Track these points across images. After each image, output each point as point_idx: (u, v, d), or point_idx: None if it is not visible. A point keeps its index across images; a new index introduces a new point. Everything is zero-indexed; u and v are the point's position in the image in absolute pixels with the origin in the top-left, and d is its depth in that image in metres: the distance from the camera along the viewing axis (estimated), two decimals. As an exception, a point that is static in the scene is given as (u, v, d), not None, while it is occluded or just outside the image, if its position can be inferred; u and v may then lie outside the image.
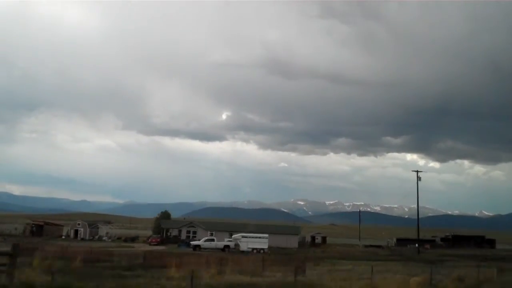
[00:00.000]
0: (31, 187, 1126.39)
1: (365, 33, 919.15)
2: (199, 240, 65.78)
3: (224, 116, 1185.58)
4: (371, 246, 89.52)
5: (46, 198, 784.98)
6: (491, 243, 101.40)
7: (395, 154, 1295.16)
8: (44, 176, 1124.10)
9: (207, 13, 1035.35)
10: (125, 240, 77.96)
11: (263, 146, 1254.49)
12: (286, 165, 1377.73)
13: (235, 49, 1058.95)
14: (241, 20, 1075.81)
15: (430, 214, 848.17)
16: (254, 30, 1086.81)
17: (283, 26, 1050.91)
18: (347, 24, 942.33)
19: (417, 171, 68.03)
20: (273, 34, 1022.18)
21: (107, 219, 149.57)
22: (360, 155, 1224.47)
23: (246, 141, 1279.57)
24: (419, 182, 67.11)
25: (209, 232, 75.81)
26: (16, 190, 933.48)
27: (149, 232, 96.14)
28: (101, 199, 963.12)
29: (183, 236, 78.45)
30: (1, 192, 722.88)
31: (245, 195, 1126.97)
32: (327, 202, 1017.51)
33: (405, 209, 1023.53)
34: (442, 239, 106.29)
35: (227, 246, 61.19)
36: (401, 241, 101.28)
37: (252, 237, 62.04)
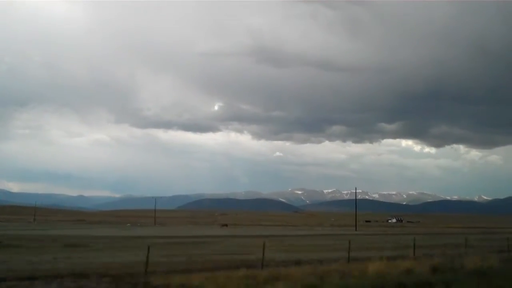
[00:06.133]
0: (29, 183, 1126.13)
1: (351, 17, 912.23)
2: None
3: (216, 107, 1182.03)
4: None
5: (43, 194, 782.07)
6: None
7: (390, 141, 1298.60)
8: (41, 172, 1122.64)
9: (190, 3, 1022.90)
10: None
11: (257, 136, 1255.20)
12: (281, 154, 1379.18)
13: (221, 39, 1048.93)
14: (225, 8, 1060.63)
15: (429, 200, 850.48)
16: (238, 18, 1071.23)
17: (268, 13, 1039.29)
18: (332, 9, 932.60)
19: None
20: (258, 22, 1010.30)
21: (105, 214, 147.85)
22: (356, 142, 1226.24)
23: (240, 131, 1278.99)
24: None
25: None
26: (14, 187, 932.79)
27: None
28: (98, 193, 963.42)
29: None
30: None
31: (242, 186, 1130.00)
32: (325, 191, 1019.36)
33: (403, 195, 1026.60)
34: None
35: None
36: None
37: None
